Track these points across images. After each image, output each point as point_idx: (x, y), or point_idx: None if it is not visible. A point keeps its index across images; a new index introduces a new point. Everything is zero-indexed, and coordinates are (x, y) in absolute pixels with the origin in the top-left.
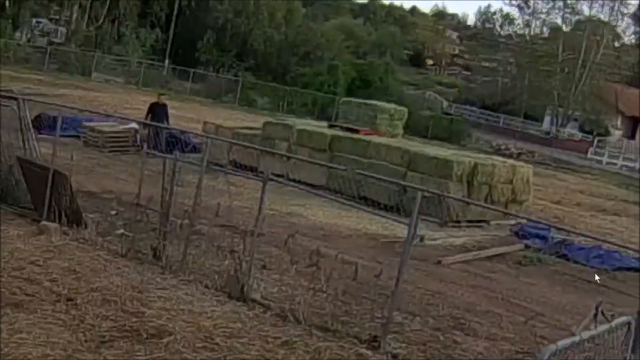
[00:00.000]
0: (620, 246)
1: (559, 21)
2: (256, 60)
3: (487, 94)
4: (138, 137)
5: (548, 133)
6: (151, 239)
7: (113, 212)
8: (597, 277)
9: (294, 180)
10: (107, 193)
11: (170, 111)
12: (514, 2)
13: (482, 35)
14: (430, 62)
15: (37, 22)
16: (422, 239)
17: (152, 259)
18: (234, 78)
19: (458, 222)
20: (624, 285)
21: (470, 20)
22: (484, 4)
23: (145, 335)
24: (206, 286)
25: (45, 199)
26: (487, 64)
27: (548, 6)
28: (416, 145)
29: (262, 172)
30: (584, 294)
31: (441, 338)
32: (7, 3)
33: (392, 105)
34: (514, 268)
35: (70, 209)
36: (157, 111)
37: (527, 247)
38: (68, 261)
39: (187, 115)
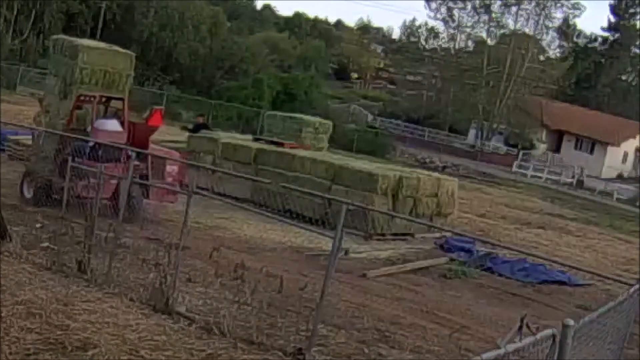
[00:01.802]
0: (545, 259)
1: (484, 35)
2: (181, 74)
3: (412, 108)
4: None
5: (473, 146)
6: (76, 252)
7: (38, 225)
8: None
9: (219, 194)
10: (32, 206)
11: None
12: (438, 16)
13: (407, 49)
14: (355, 75)
15: None
16: (347, 252)
17: (77, 272)
18: (159, 91)
19: (383, 235)
20: (549, 298)
21: (395, 34)
22: (408, 18)
23: (70, 348)
24: (131, 299)
25: None
26: (412, 78)
27: (473, 20)
28: (341, 159)
29: (187, 186)
30: (508, 306)
31: (366, 351)
32: None
33: (317, 119)
34: (438, 281)
35: None
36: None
37: (452, 260)
38: None
39: None
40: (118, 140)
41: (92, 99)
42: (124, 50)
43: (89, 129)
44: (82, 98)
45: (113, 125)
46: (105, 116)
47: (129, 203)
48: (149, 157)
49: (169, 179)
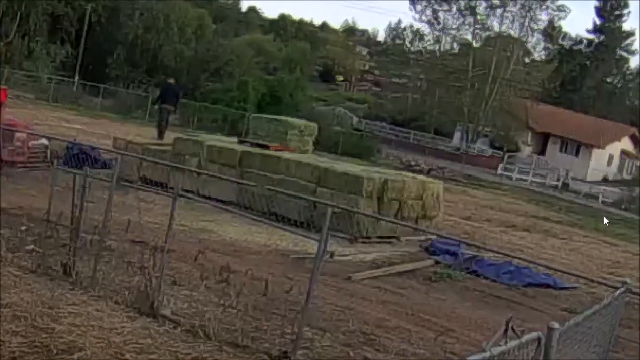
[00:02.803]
0: (530, 262)
1: (469, 37)
2: (166, 76)
3: (397, 110)
4: (48, 152)
5: (458, 149)
6: (61, 255)
7: (23, 228)
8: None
9: (204, 196)
10: (16, 209)
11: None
12: (424, 18)
13: (392, 51)
14: (340, 78)
15: None
16: (332, 255)
17: (62, 275)
18: (144, 94)
19: (368, 238)
20: (534, 301)
21: (381, 36)
22: (394, 20)
23: (55, 351)
24: (116, 302)
25: None
26: (397, 80)
27: (458, 22)
28: (326, 161)
29: (172, 188)
30: (494, 309)
31: (351, 354)
32: None
33: (302, 121)
34: (424, 284)
35: None
36: (168, 91)
37: (437, 263)
38: None
39: (97, 131)
40: None
41: None
42: None
43: None
44: None
45: None
46: None
47: None
48: None
49: (18, 143)
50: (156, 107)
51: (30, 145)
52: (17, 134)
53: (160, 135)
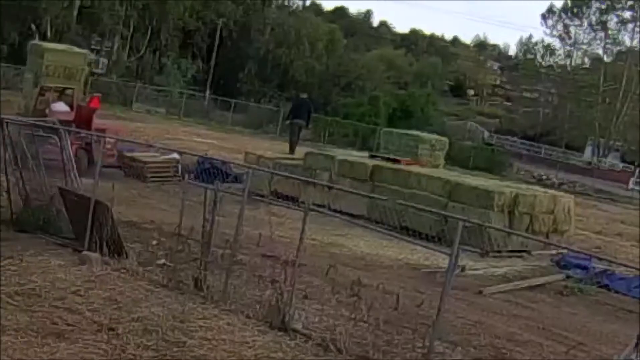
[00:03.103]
0: None
1: (600, 52)
2: (297, 91)
3: (529, 125)
4: (179, 167)
5: (589, 163)
6: (192, 269)
7: (154, 242)
8: None
9: (335, 211)
10: (148, 223)
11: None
12: (555, 33)
13: (523, 65)
14: (471, 92)
15: None
16: (463, 269)
17: (194, 289)
18: (275, 108)
19: (499, 252)
20: None
21: (512, 51)
22: (525, 35)
23: None
24: (247, 316)
25: (87, 229)
26: (528, 95)
27: (589, 37)
28: (457, 176)
29: (303, 202)
30: (625, 323)
31: None
32: (48, 33)
33: (434, 136)
34: (555, 298)
35: (112, 239)
36: (299, 106)
37: (568, 277)
38: (109, 291)
39: (228, 145)
40: (67, 118)
41: (50, 89)
42: (79, 50)
43: (47, 110)
44: (44, 88)
45: (62, 107)
46: (56, 101)
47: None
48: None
49: (108, 146)
50: (287, 122)
51: (162, 160)
52: (107, 139)
53: (292, 150)
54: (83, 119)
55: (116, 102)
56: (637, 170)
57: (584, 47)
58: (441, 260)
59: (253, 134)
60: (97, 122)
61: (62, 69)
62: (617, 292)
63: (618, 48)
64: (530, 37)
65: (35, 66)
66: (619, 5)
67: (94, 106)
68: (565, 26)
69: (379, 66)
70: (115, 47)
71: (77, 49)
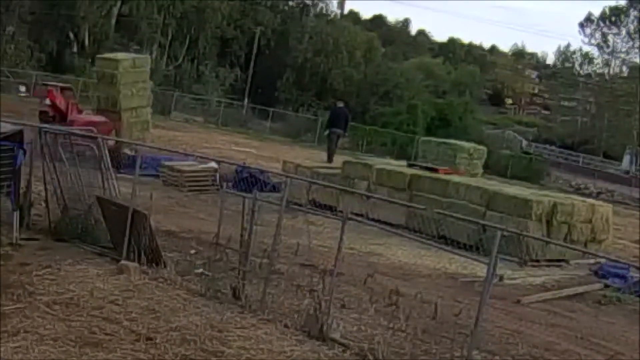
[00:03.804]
0: None
1: (638, 60)
2: (335, 99)
3: (566, 133)
4: (217, 176)
5: (627, 172)
6: (230, 278)
7: (192, 251)
8: None
9: (373, 220)
10: (186, 232)
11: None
12: (593, 42)
13: (561, 74)
14: (509, 101)
15: None
16: (501, 278)
17: (232, 298)
18: (314, 117)
19: (537, 261)
20: None
21: (550, 60)
22: (563, 43)
23: None
24: (285, 325)
25: (125, 238)
26: (566, 103)
27: (628, 45)
28: (495, 185)
29: (341, 212)
30: None
31: None
32: (87, 42)
33: (472, 145)
34: (593, 307)
35: (150, 248)
36: (337, 115)
37: (606, 286)
38: (147, 300)
39: (266, 154)
40: None
41: None
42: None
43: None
44: None
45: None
46: None
47: None
48: None
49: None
50: (326, 132)
51: (200, 169)
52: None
53: (330, 158)
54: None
55: (154, 110)
56: None
57: (622, 55)
58: (479, 269)
59: (291, 143)
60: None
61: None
62: None
63: None
64: (568, 45)
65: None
66: None
67: None
68: (604, 35)
69: (417, 75)
70: (153, 55)
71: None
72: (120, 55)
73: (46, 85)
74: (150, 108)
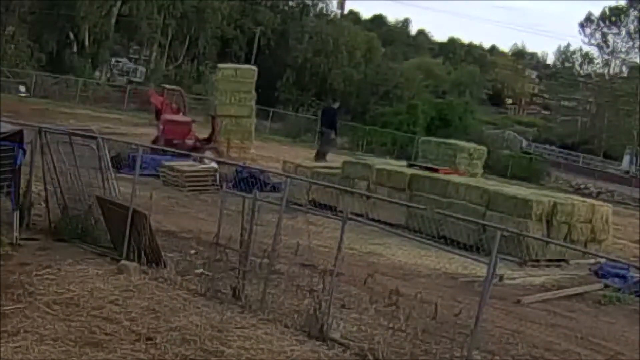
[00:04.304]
0: None
1: (638, 60)
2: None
3: (567, 133)
4: (217, 176)
5: (627, 172)
6: (230, 278)
7: (192, 252)
8: None
9: (373, 220)
10: (186, 232)
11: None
12: (593, 42)
13: (561, 74)
14: (509, 101)
15: (117, 61)
16: (501, 278)
17: (232, 298)
18: (313, 117)
19: (537, 261)
20: None
21: (550, 60)
22: (563, 43)
23: None
24: (285, 325)
25: (125, 238)
26: (566, 103)
27: (628, 45)
28: (495, 185)
29: (341, 212)
30: None
31: None
32: (86, 42)
33: (472, 145)
34: (593, 307)
35: (150, 248)
36: (324, 113)
37: (606, 286)
38: (147, 300)
39: (266, 154)
40: None
41: None
42: None
43: None
44: None
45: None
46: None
47: None
48: None
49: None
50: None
51: (200, 169)
52: None
53: (317, 158)
54: None
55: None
56: None
57: (622, 55)
58: (479, 269)
59: (291, 143)
60: None
61: None
62: None
63: None
64: (568, 45)
65: None
66: None
67: None
68: (604, 35)
69: (417, 75)
70: (154, 55)
71: None
72: (222, 64)
73: (163, 87)
74: (254, 119)
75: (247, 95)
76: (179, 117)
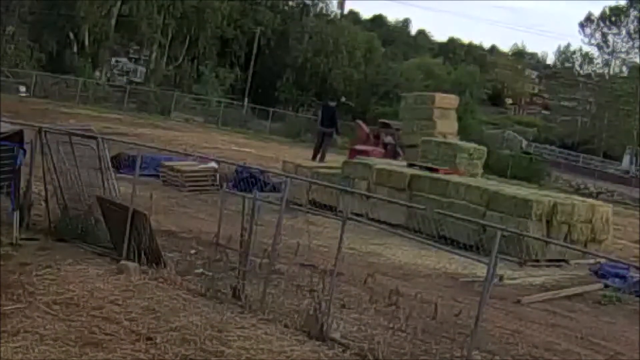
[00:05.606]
0: None
1: (638, 60)
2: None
3: (567, 133)
4: (217, 176)
5: (627, 172)
6: (230, 278)
7: (192, 252)
8: None
9: (373, 220)
10: (186, 232)
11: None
12: (593, 42)
13: (561, 74)
14: (509, 101)
15: (117, 61)
16: (501, 278)
17: (232, 298)
18: (313, 117)
19: (537, 261)
20: None
21: (550, 60)
22: (563, 43)
23: None
24: (285, 325)
25: (125, 238)
26: (566, 103)
27: (628, 45)
28: (495, 185)
29: (341, 212)
30: None
31: None
32: (86, 42)
33: (472, 145)
34: (593, 307)
35: (150, 248)
36: (324, 113)
37: (606, 286)
38: (147, 300)
39: (266, 154)
40: None
41: None
42: None
43: None
44: None
45: None
46: None
47: None
48: None
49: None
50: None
51: (200, 169)
52: None
53: (314, 157)
54: None
55: (154, 110)
56: None
57: (622, 55)
58: (479, 269)
59: (291, 143)
60: None
61: None
62: None
63: None
64: (568, 45)
65: None
66: None
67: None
68: (604, 35)
69: (417, 75)
70: (153, 55)
71: None
72: (406, 94)
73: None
74: None
75: (427, 123)
76: (368, 148)
